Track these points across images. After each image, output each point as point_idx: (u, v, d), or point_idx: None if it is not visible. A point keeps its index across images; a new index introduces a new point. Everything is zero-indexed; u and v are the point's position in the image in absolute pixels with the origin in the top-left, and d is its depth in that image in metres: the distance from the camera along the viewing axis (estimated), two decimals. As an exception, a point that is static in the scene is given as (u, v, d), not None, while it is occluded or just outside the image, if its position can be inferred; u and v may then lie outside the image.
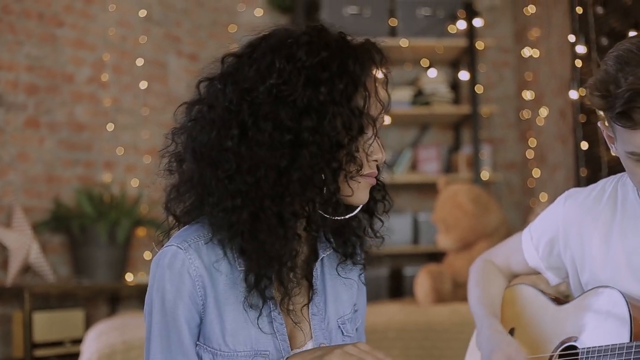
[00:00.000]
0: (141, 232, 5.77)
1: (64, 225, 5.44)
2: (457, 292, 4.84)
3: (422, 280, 4.90)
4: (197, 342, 1.75)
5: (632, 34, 3.75)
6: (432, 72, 6.03)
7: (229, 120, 1.69)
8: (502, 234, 4.81)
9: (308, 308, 1.83)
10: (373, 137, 1.75)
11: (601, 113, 1.95)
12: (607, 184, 2.16)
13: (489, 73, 6.50)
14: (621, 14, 4.00)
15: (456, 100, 6.26)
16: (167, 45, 6.13)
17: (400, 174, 6.11)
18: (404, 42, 5.87)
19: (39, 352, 4.97)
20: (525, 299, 2.31)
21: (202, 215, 1.77)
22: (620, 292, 1.97)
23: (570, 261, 2.18)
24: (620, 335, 1.93)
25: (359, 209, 1.80)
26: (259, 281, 1.71)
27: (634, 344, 1.87)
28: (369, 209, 1.85)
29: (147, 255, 5.81)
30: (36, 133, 5.41)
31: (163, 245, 1.77)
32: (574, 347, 2.05)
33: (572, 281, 2.20)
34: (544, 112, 5.91)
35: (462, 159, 6.09)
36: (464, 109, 6.06)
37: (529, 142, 6.19)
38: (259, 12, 6.42)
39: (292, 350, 1.78)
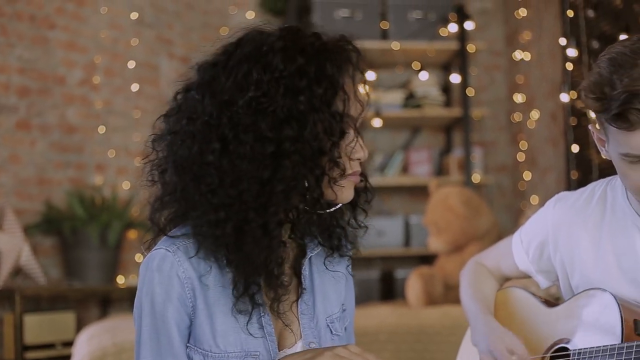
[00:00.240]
0: (132, 234, 5.76)
1: (55, 227, 5.44)
2: (449, 294, 4.84)
3: (414, 282, 4.90)
4: (188, 344, 1.75)
5: (622, 37, 3.76)
6: (424, 75, 6.04)
7: (209, 134, 1.69)
8: (493, 237, 4.82)
9: (297, 305, 1.84)
10: (355, 138, 1.75)
11: (592, 116, 1.96)
12: (596, 187, 2.17)
13: (480, 76, 6.51)
14: (612, 17, 4.01)
15: (447, 103, 6.26)
16: (158, 47, 6.13)
17: (392, 177, 6.12)
18: (395, 45, 5.88)
19: (30, 355, 4.96)
20: (517, 302, 2.32)
21: (187, 222, 1.77)
22: (612, 294, 1.98)
23: (560, 264, 2.19)
24: (611, 336, 1.94)
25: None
26: (247, 288, 1.72)
27: (625, 345, 1.88)
28: (352, 200, 1.84)
29: (138, 257, 5.80)
30: (28, 135, 5.40)
31: (152, 249, 1.77)
32: (566, 349, 2.06)
33: (562, 284, 2.21)
34: (535, 115, 5.93)
35: (454, 162, 6.10)
36: (455, 111, 6.06)
37: (520, 144, 6.21)
38: (250, 14, 6.43)
39: (282, 350, 1.79)
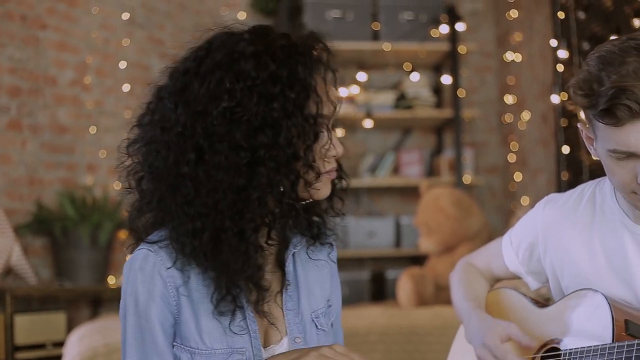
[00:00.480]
0: (123, 234, 5.75)
1: (46, 227, 5.42)
2: (439, 295, 4.85)
3: (404, 283, 4.91)
4: (175, 343, 1.76)
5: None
6: (415, 76, 6.05)
7: (184, 144, 1.69)
8: (484, 238, 4.83)
9: (282, 298, 1.85)
10: (328, 139, 1.76)
11: (582, 115, 1.97)
12: (585, 188, 2.18)
13: (471, 77, 6.52)
14: (603, 19, 4.03)
15: (438, 104, 6.27)
16: (150, 48, 6.12)
17: (383, 178, 6.13)
18: (386, 46, 5.88)
19: (21, 355, 4.94)
20: (508, 303, 2.32)
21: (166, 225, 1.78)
22: (603, 294, 1.98)
23: (550, 266, 2.20)
24: (602, 336, 1.94)
25: None
26: (228, 293, 1.72)
27: (616, 344, 1.89)
28: None
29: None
30: (18, 135, 5.39)
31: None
32: (557, 349, 2.07)
33: (553, 285, 2.21)
34: (525, 116, 5.94)
35: (445, 163, 6.11)
36: (447, 112, 6.07)
37: (510, 146, 6.22)
38: (242, 15, 6.42)
39: (268, 346, 1.80)
